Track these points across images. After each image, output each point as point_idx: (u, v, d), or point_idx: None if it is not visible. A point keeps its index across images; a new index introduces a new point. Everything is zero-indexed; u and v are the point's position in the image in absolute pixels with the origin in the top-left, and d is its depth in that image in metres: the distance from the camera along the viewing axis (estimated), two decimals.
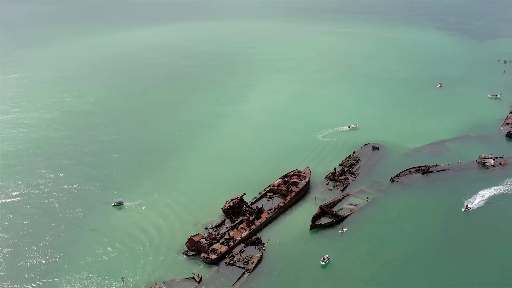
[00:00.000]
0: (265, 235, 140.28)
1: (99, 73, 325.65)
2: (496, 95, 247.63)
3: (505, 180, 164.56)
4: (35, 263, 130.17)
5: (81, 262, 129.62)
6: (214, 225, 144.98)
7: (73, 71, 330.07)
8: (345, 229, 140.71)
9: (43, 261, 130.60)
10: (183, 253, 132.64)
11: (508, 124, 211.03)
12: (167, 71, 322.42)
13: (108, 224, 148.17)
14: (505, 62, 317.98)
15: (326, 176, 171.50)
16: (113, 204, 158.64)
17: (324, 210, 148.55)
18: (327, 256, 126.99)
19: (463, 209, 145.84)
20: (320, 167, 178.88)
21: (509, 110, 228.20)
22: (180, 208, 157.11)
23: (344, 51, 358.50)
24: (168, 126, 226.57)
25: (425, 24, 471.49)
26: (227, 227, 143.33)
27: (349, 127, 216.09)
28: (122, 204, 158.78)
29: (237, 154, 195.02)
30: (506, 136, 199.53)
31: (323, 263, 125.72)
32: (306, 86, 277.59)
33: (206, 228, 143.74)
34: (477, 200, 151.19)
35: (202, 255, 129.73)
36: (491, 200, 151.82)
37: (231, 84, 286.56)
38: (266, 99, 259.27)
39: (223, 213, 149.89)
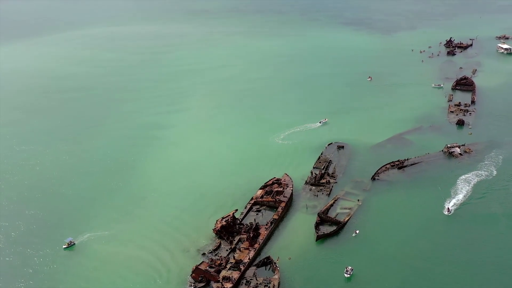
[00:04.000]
0: (270, 253, 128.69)
1: None
2: (439, 85, 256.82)
3: (478, 166, 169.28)
4: None
5: None
6: (211, 249, 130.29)
7: None
8: (357, 231, 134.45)
9: None
10: (190, 286, 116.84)
11: (452, 112, 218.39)
12: (82, 83, 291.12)
13: (72, 274, 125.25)
14: (421, 52, 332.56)
15: (306, 181, 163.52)
16: (64, 246, 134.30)
17: (323, 218, 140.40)
18: (350, 267, 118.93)
19: (445, 212, 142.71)
20: (291, 172, 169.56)
21: (447, 99, 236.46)
22: (159, 235, 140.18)
23: (263, 54, 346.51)
24: (107, 143, 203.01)
25: (328, 21, 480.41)
26: (227, 250, 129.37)
27: (320, 122, 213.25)
28: (74, 244, 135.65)
29: (198, 168, 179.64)
30: (456, 124, 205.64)
31: (348, 275, 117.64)
32: (245, 92, 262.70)
33: (204, 254, 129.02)
34: (462, 192, 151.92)
35: (215, 285, 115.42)
36: (474, 193, 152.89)
37: (163, 93, 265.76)
38: (207, 108, 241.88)
39: (215, 235, 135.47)
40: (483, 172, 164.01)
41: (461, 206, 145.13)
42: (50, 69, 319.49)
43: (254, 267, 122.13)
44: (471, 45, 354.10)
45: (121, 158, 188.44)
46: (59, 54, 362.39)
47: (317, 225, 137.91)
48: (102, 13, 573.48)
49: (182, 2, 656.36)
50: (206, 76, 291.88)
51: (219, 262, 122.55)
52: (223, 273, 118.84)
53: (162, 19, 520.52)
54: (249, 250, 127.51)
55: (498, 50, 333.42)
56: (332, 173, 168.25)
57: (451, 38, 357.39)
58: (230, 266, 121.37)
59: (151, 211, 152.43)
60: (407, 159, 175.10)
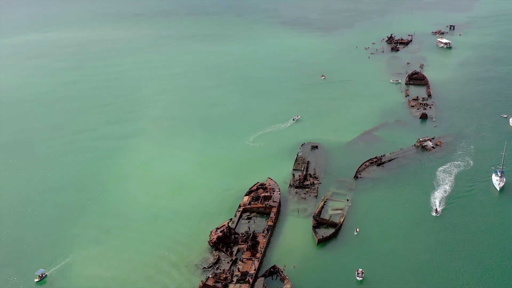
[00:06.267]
0: (272, 261, 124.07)
1: None
2: (397, 80, 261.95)
3: (452, 157, 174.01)
4: None
5: None
6: (210, 262, 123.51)
7: None
8: (358, 229, 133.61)
9: None
10: None
11: (413, 106, 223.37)
12: (26, 95, 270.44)
13: None
14: (365, 48, 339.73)
15: (290, 184, 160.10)
16: (36, 279, 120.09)
17: (319, 221, 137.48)
18: (361, 270, 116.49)
19: (433, 214, 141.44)
20: (270, 175, 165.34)
21: (404, 94, 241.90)
22: (149, 253, 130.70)
23: (213, 60, 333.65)
24: (67, 156, 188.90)
25: (266, 22, 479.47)
26: (228, 262, 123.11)
27: (293, 119, 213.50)
28: (46, 275, 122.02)
29: (173, 179, 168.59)
30: (420, 118, 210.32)
31: (360, 278, 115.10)
32: (204, 100, 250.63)
33: (204, 268, 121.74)
34: (447, 184, 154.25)
35: None
36: (456, 187, 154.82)
37: (118, 102, 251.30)
38: (168, 118, 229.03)
39: (211, 247, 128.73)
40: (460, 162, 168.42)
41: (448, 205, 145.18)
42: None
43: (262, 278, 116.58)
44: (411, 40, 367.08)
45: (86, 172, 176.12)
46: None
47: (314, 229, 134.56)
48: (25, 21, 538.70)
49: (108, 6, 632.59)
50: (161, 84, 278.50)
51: (224, 276, 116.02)
52: (232, 287, 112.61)
53: (96, 24, 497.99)
54: (252, 261, 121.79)
55: (438, 45, 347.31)
56: (314, 174, 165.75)
57: (392, 34, 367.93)
58: (237, 279, 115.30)
59: (133, 228, 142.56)
60: (383, 155, 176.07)
